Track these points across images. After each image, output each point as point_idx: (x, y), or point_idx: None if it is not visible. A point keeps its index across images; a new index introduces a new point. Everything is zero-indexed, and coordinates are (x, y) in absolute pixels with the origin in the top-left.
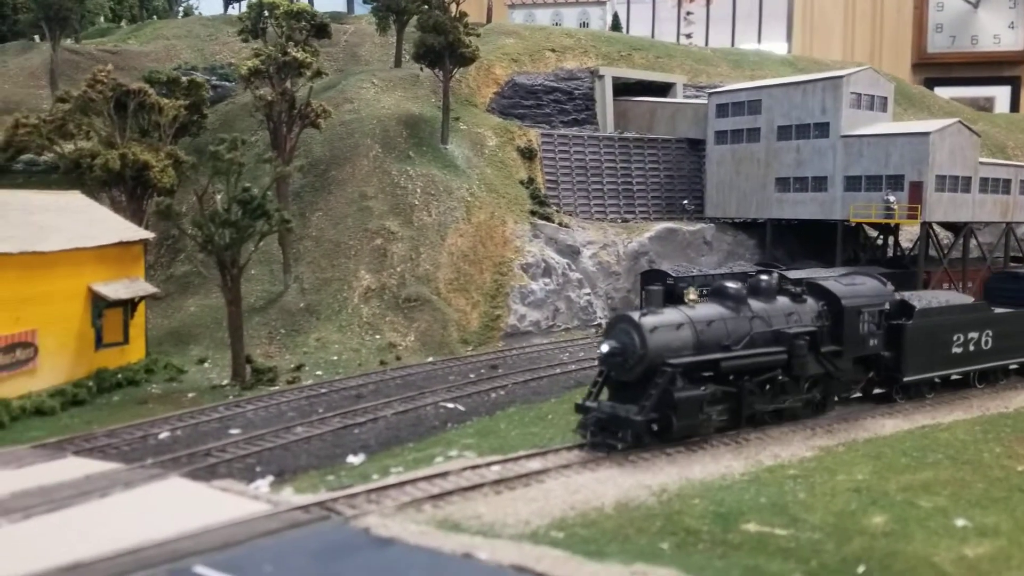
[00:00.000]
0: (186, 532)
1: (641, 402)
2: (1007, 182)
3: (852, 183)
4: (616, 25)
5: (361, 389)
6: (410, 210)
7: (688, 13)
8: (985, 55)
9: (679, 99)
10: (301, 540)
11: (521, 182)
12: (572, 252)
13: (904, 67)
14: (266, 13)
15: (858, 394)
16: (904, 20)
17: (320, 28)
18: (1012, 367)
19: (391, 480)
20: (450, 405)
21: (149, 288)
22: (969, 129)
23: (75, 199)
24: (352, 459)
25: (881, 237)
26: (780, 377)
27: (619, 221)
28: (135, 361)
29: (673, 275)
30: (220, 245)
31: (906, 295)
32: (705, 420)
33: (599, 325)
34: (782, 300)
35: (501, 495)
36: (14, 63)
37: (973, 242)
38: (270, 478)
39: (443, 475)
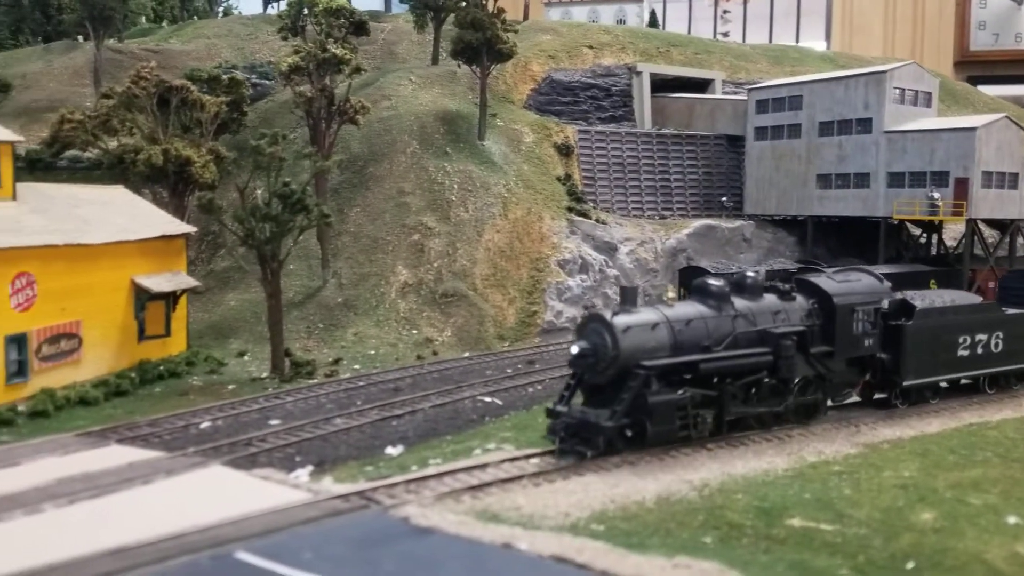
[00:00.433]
0: (227, 519)
1: (612, 407)
2: None
3: (895, 179)
4: (653, 22)
5: (399, 383)
6: (447, 206)
7: (725, 12)
8: None
9: (718, 95)
10: (340, 528)
11: (558, 178)
12: (609, 248)
13: (946, 65)
14: (305, 11)
15: (855, 398)
16: (946, 18)
17: (358, 25)
18: None
19: (430, 471)
20: (487, 399)
21: (191, 281)
22: (1017, 125)
23: (119, 193)
24: (390, 450)
25: (924, 235)
26: (766, 380)
27: (657, 218)
28: (176, 353)
29: (712, 272)
30: (260, 239)
31: (908, 294)
32: (684, 426)
33: None
34: (769, 298)
35: (540, 487)
36: (59, 62)
37: (1020, 240)
38: (310, 468)
39: (482, 467)
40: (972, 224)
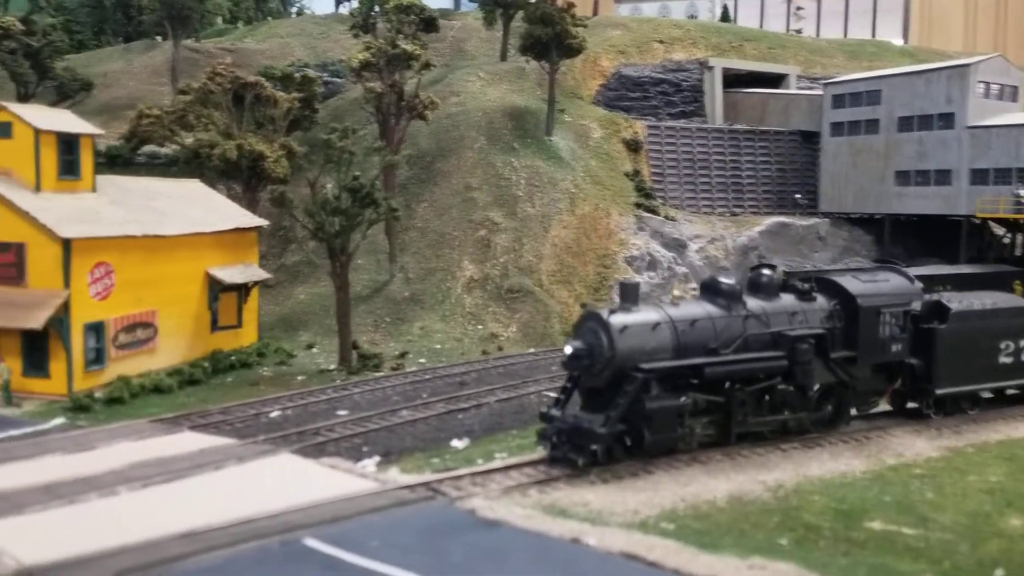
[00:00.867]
0: (296, 506)
1: (607, 412)
2: None
3: (979, 176)
4: (725, 16)
5: (464, 377)
6: (514, 201)
7: (799, 8)
8: None
9: (792, 90)
10: (407, 518)
11: (626, 174)
12: (678, 246)
13: None
14: (376, 8)
15: (884, 407)
16: None
17: (428, 22)
18: None
19: (496, 464)
20: (553, 394)
21: (262, 274)
22: None
23: (194, 187)
24: (456, 443)
25: (1009, 234)
26: (781, 386)
27: (728, 215)
28: (247, 344)
29: (785, 271)
30: (330, 232)
31: (943, 295)
32: (686, 434)
33: None
34: (786, 298)
35: (608, 484)
36: (138, 62)
37: None
38: (376, 458)
39: (548, 462)
40: None
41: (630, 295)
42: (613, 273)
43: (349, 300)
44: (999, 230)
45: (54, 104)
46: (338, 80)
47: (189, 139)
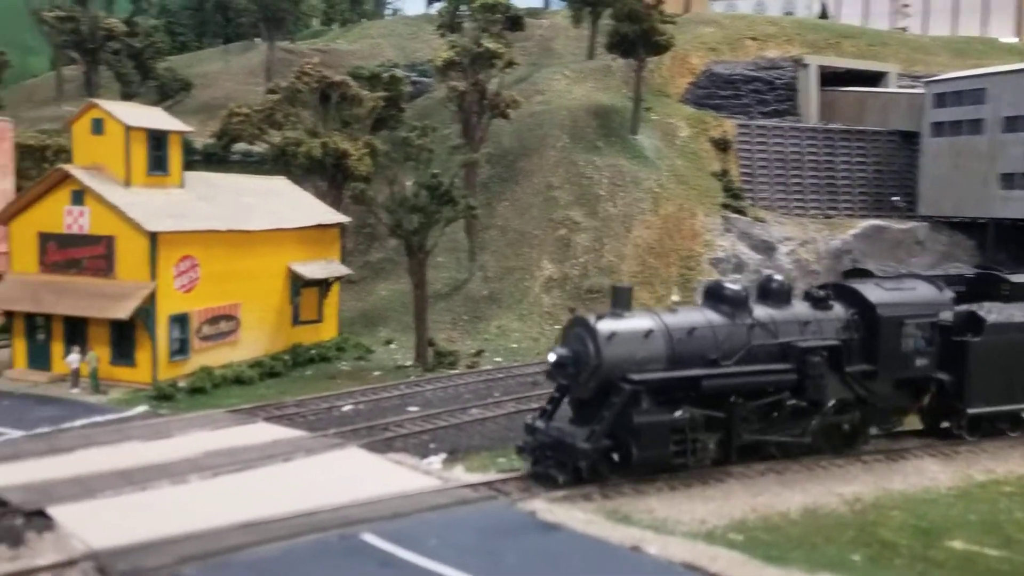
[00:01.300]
0: (358, 500)
1: (592, 426)
2: None
3: None
4: (824, 14)
5: (538, 377)
6: (595, 201)
7: (904, 5)
8: None
9: (892, 89)
10: (467, 517)
11: (714, 174)
12: (767, 248)
13: None
14: (462, 7)
15: (915, 426)
16: None
17: (514, 20)
18: None
19: None
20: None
21: (343, 269)
22: None
23: (280, 184)
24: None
25: None
26: (790, 401)
27: (820, 217)
28: (328, 339)
29: (880, 276)
30: (408, 229)
31: (982, 306)
32: (680, 451)
33: None
34: (799, 306)
35: (676, 491)
36: (236, 62)
37: None
38: (443, 455)
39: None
40: None
41: (622, 300)
42: (697, 275)
43: (426, 297)
44: None
45: (156, 103)
46: (426, 80)
47: (277, 137)
